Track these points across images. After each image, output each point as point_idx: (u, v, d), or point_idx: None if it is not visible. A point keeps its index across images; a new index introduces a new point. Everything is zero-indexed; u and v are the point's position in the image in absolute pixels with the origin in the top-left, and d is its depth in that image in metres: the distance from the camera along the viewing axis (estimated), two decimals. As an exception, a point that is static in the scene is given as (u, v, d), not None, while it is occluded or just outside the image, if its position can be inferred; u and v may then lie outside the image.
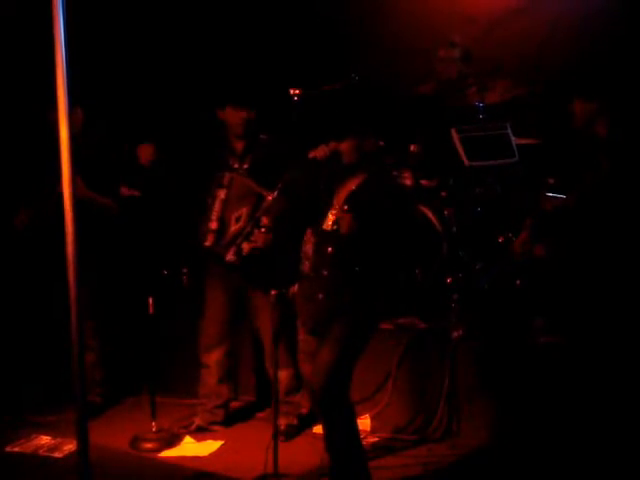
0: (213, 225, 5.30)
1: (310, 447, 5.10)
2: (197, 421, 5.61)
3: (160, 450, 5.24)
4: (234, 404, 5.86)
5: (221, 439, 5.40)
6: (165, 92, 6.91)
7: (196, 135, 5.70)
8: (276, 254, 5.02)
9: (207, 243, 5.32)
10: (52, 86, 2.94)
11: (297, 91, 5.70)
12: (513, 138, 5.84)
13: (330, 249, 4.31)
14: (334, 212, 4.35)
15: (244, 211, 5.27)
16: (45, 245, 5.49)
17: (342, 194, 4.41)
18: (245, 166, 5.37)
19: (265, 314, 5.24)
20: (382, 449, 5.15)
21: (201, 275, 5.65)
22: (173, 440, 5.37)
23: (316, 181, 4.59)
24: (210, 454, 5.22)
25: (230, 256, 5.18)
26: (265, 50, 7.01)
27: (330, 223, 4.35)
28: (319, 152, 4.40)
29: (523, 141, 5.89)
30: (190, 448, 5.29)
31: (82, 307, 2.95)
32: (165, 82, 6.98)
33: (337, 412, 4.35)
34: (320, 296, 4.34)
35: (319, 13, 7.11)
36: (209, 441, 5.38)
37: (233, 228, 5.26)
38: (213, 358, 5.54)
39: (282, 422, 5.28)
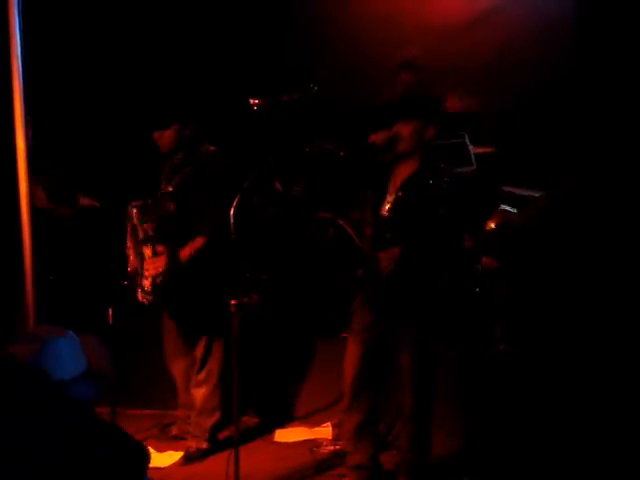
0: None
1: (271, 455, 5.09)
2: (174, 430, 5.59)
3: (121, 461, 5.20)
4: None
5: (182, 450, 5.36)
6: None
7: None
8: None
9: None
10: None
11: (257, 101, 5.71)
12: (471, 147, 5.90)
13: (389, 235, 4.41)
14: (390, 198, 4.46)
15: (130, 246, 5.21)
16: None
17: (397, 180, 4.47)
18: (170, 189, 5.13)
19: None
20: (344, 457, 5.12)
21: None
22: (134, 451, 5.33)
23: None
24: (171, 465, 5.19)
25: (140, 297, 5.19)
26: (224, 58, 6.98)
27: (387, 208, 4.45)
28: (379, 137, 4.43)
29: (480, 150, 5.95)
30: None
31: (41, 317, 2.94)
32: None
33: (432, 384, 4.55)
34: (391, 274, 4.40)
35: (277, 22, 7.11)
36: (169, 452, 5.34)
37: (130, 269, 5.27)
38: (178, 369, 5.49)
39: (192, 444, 5.30)
